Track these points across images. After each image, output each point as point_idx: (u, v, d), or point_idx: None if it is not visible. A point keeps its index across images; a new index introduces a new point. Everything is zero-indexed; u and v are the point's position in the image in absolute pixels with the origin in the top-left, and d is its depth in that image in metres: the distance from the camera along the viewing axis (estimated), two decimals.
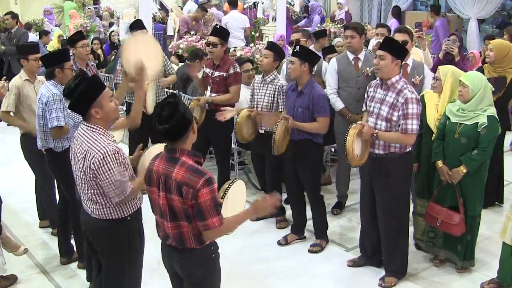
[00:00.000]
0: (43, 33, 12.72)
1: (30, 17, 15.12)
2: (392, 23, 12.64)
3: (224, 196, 3.59)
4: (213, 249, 3.53)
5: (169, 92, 7.66)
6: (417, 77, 5.70)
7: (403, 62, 5.57)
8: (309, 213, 5.88)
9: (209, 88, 6.35)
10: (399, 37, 5.76)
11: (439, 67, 5.40)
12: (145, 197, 3.70)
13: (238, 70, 6.35)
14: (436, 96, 5.28)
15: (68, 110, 4.47)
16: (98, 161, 3.52)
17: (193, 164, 3.32)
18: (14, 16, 10.92)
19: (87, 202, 3.78)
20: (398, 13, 13.54)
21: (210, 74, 6.35)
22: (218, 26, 6.42)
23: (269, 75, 6.02)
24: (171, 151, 3.37)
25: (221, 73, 6.24)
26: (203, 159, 3.52)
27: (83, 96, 3.57)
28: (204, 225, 3.28)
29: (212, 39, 6.21)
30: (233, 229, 3.51)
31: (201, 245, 3.42)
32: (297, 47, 5.44)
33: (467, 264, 5.21)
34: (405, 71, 5.69)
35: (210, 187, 3.25)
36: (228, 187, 3.65)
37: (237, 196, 3.72)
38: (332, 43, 8.45)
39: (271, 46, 6.16)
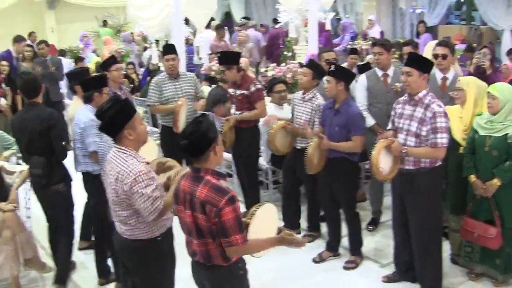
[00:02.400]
0: (78, 59, 13.02)
1: (67, 44, 15.47)
2: (427, 37, 12.58)
3: (252, 217, 3.57)
4: (240, 265, 3.57)
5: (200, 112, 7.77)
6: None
7: (443, 76, 5.56)
8: (343, 230, 5.87)
9: (233, 106, 6.68)
10: (440, 50, 5.67)
11: (460, 78, 5.37)
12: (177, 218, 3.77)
13: (260, 86, 6.57)
14: (458, 108, 5.25)
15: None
16: (130, 182, 3.59)
17: (216, 183, 3.38)
18: (47, 44, 11.29)
19: (118, 223, 3.86)
20: (425, 28, 13.53)
21: (233, 94, 6.62)
22: (219, 54, 6.95)
23: (308, 93, 6.02)
24: (196, 170, 3.45)
25: (242, 91, 6.48)
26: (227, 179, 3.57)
27: (113, 120, 3.65)
28: (227, 241, 3.33)
29: (220, 67, 6.84)
30: (257, 251, 3.52)
31: (228, 262, 3.46)
32: (332, 66, 5.45)
33: (508, 278, 5.12)
34: (444, 85, 5.68)
35: (233, 205, 3.30)
36: (255, 209, 3.62)
37: (267, 221, 3.67)
38: (364, 61, 8.47)
39: (311, 64, 6.16)
